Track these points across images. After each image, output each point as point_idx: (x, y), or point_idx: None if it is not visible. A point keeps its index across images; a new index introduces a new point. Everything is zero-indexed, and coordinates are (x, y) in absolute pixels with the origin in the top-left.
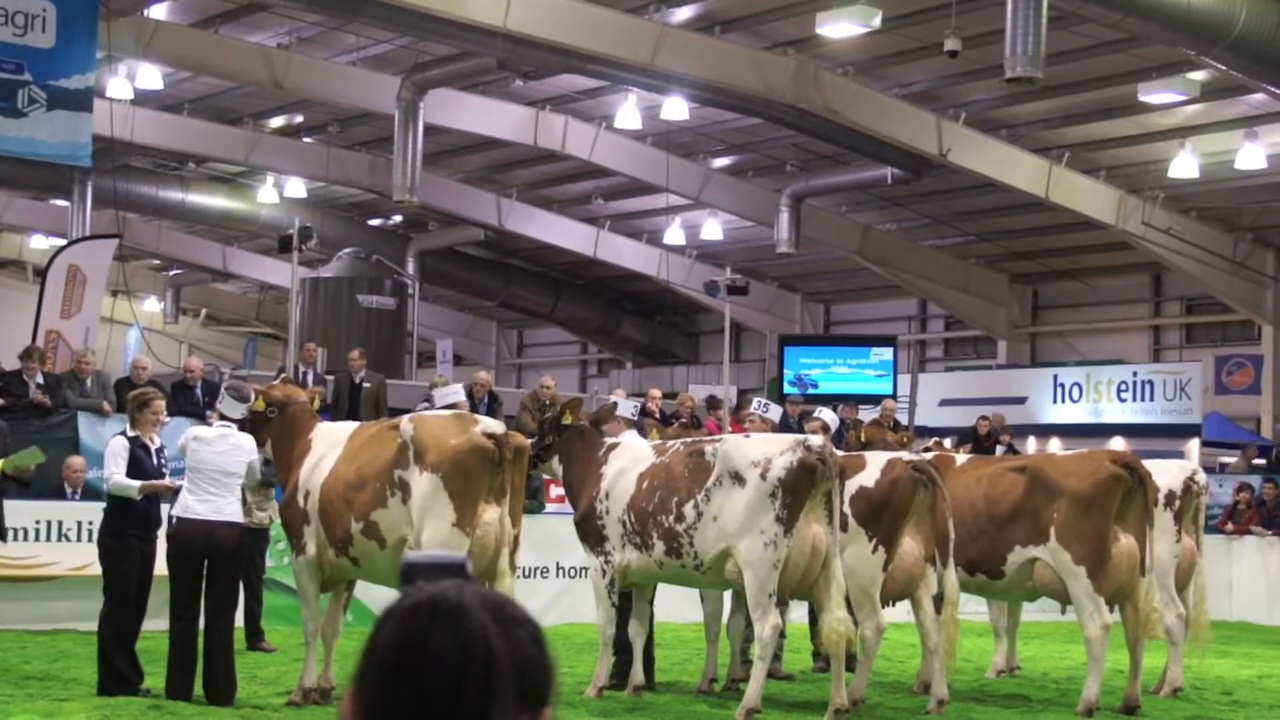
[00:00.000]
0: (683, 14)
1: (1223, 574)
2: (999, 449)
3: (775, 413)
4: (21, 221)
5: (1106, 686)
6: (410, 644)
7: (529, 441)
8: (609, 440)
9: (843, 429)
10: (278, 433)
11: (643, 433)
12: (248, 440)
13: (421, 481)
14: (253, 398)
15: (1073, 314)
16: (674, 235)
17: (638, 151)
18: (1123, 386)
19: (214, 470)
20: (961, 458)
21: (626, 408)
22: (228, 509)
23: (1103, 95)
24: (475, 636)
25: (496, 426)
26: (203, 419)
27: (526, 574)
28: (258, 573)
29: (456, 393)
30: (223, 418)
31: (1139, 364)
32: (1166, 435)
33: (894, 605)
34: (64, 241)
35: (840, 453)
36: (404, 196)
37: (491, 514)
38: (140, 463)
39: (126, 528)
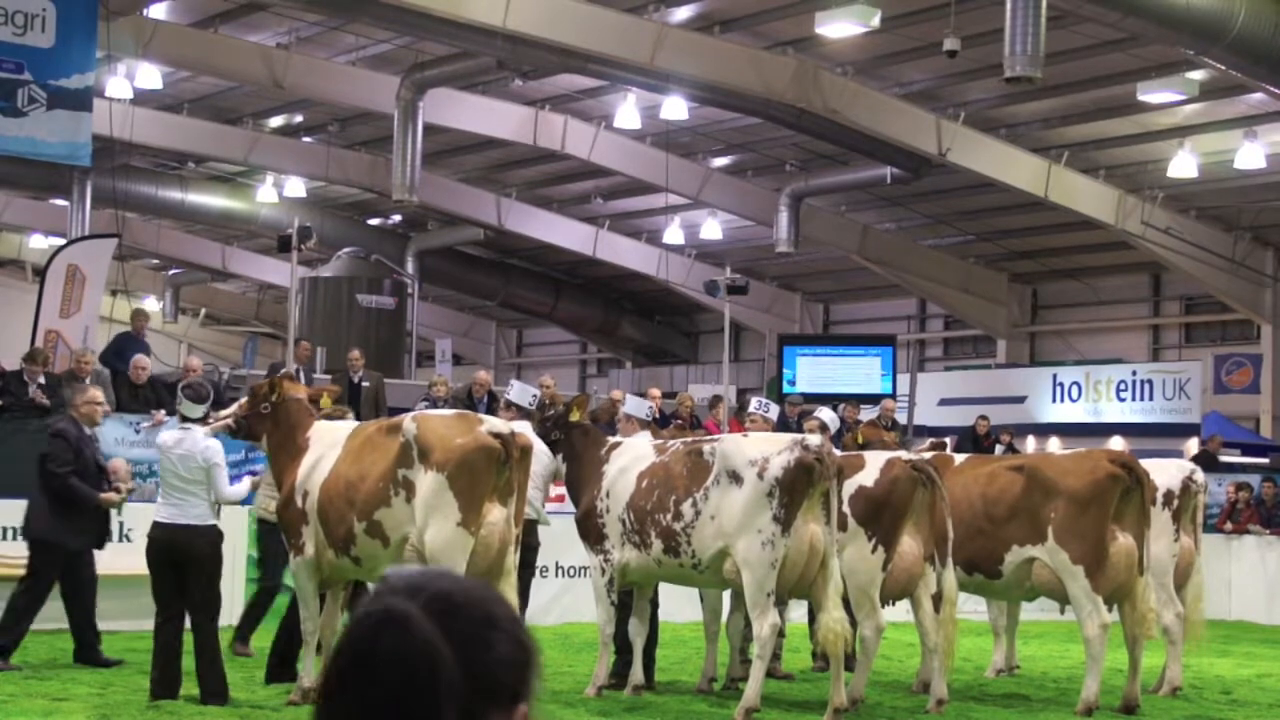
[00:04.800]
0: (682, 13)
1: (1221, 573)
2: (999, 448)
3: (773, 412)
4: (21, 221)
5: (1105, 686)
6: (359, 652)
7: None
8: (611, 439)
9: (843, 429)
10: (272, 427)
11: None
12: (201, 441)
13: (426, 480)
14: (211, 396)
15: (1072, 313)
16: (673, 235)
17: (637, 151)
18: (1122, 386)
19: (172, 476)
20: (960, 458)
21: (640, 408)
22: (192, 512)
23: (1102, 95)
24: (419, 644)
25: (502, 426)
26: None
27: None
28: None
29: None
30: (184, 420)
31: (1138, 363)
32: (1166, 435)
33: (893, 604)
34: (63, 241)
35: (839, 452)
36: (403, 196)
37: (497, 514)
38: None
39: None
